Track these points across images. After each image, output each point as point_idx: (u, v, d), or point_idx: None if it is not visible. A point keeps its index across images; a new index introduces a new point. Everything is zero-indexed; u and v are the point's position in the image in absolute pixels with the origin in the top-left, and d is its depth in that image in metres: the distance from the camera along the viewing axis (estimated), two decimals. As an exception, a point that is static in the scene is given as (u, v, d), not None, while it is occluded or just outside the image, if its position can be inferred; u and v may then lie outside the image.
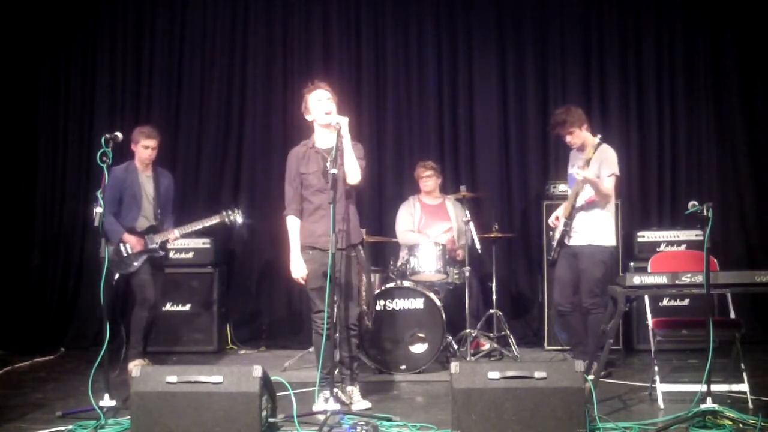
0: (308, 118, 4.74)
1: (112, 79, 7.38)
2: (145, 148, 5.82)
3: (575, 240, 5.46)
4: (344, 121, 4.51)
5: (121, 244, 5.72)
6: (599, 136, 5.40)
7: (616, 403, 4.74)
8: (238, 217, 6.02)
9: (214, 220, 5.99)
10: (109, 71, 7.38)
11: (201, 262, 6.84)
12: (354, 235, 4.71)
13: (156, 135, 5.88)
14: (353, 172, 4.56)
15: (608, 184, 5.37)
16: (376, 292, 5.88)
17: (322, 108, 4.63)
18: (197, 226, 5.96)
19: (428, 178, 6.52)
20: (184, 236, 6.02)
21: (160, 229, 5.88)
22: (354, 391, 4.75)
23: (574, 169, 5.41)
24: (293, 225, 4.77)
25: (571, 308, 5.50)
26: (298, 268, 4.72)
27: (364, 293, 4.78)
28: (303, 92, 4.77)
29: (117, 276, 5.72)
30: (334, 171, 4.33)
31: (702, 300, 4.27)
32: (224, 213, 6.01)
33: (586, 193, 5.45)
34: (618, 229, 5.90)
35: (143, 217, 5.86)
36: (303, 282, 4.74)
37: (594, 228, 5.42)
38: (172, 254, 6.54)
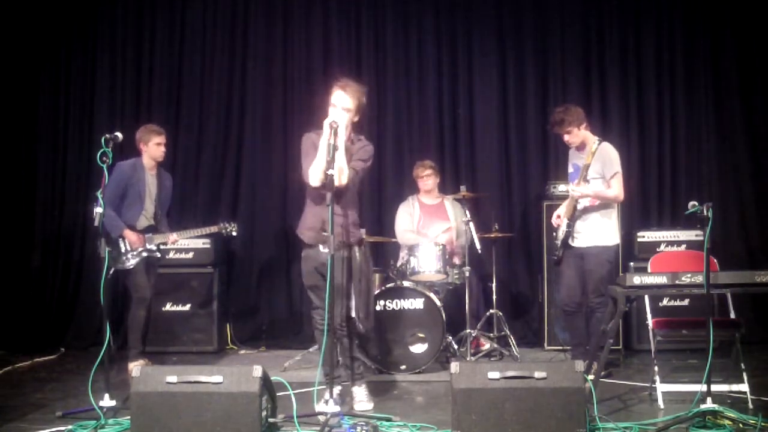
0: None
1: (112, 79, 7.38)
2: (158, 145, 5.85)
3: (580, 241, 5.47)
4: (342, 121, 4.48)
5: (120, 240, 5.72)
6: (598, 139, 5.39)
7: (616, 403, 4.74)
8: (234, 231, 6.20)
9: (212, 230, 6.14)
10: (109, 71, 7.38)
11: (201, 262, 6.84)
12: (347, 236, 4.60)
13: (164, 132, 5.95)
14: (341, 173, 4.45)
15: (615, 186, 5.37)
16: (376, 292, 5.87)
17: (331, 114, 4.48)
18: (196, 232, 6.10)
19: (428, 178, 6.52)
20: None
21: (158, 230, 5.89)
22: (358, 391, 4.73)
23: (570, 188, 5.43)
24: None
25: (577, 308, 5.51)
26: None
27: (354, 296, 4.63)
28: (332, 83, 4.65)
29: (112, 271, 5.69)
30: (331, 172, 4.24)
31: (702, 300, 4.27)
32: (222, 224, 6.17)
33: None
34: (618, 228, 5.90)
35: (144, 216, 5.87)
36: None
37: (598, 229, 5.43)
38: (172, 254, 6.57)
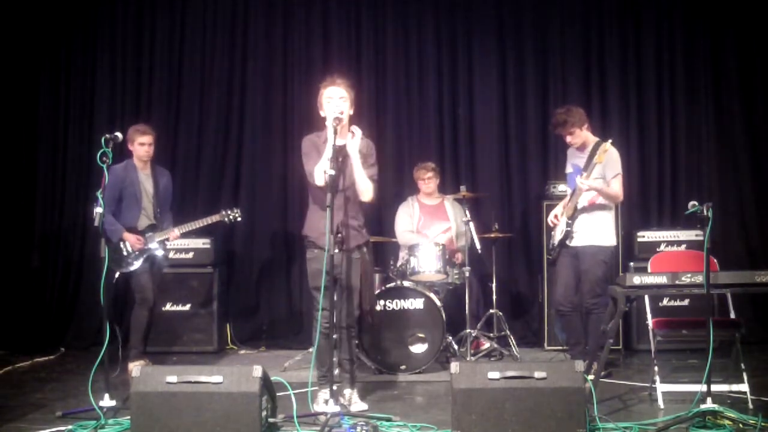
0: (321, 114, 4.59)
1: (112, 79, 7.37)
2: (141, 145, 5.84)
3: (576, 240, 5.46)
4: (345, 110, 4.47)
5: (121, 243, 5.72)
6: (611, 140, 5.36)
7: (616, 403, 4.74)
8: (238, 216, 6.09)
9: (214, 219, 6.06)
10: (109, 71, 7.37)
11: (201, 262, 6.84)
12: (355, 237, 4.64)
13: (151, 131, 5.91)
14: (365, 188, 4.56)
15: (616, 186, 5.37)
16: (377, 292, 5.88)
17: (331, 108, 4.49)
18: (197, 224, 6.02)
19: (429, 180, 6.51)
20: (184, 235, 6.06)
21: (160, 228, 5.89)
22: (352, 394, 4.72)
23: (578, 179, 5.41)
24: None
25: (571, 308, 5.50)
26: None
27: (364, 294, 4.71)
28: (319, 86, 4.64)
29: (117, 275, 5.72)
30: (332, 172, 4.23)
31: (702, 300, 4.27)
32: (224, 212, 6.08)
33: (588, 194, 5.45)
34: (618, 229, 5.90)
35: (144, 216, 5.87)
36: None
37: (595, 228, 5.42)
38: (172, 254, 6.54)
